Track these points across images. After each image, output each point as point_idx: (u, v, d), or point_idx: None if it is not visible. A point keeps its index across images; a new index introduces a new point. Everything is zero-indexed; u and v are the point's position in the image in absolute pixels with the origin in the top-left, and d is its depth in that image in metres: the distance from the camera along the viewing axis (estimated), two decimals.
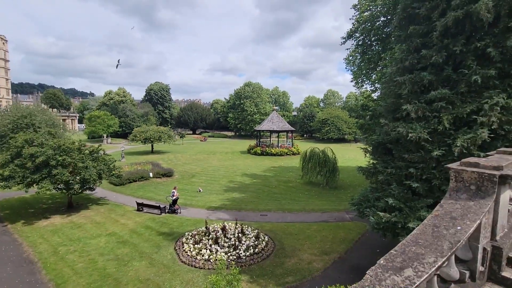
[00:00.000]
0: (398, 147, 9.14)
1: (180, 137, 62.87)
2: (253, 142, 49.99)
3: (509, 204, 4.69)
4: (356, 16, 20.80)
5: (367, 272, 3.32)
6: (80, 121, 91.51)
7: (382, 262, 3.39)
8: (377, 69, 21.37)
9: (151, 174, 26.33)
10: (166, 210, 17.80)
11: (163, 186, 24.42)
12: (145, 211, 18.01)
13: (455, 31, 8.14)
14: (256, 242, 12.77)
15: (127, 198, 20.80)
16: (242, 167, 33.06)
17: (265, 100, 78.51)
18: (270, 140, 49.38)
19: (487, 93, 7.45)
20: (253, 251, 12.10)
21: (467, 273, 3.70)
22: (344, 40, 21.83)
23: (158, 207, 17.66)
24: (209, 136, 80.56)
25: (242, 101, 75.16)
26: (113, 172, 19.40)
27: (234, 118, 77.39)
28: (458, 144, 7.15)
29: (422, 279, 2.96)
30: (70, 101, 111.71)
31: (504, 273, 3.99)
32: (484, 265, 3.92)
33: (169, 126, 71.28)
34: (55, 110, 64.40)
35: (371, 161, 11.11)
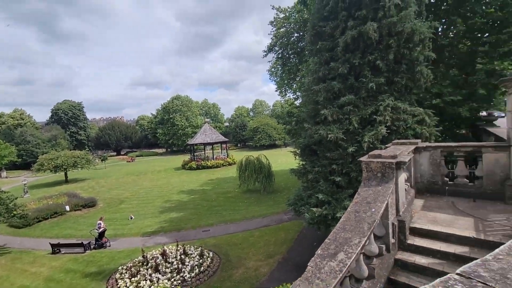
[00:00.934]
0: (321, 148, 10.27)
1: (102, 160, 55.85)
2: (187, 157, 48.19)
3: (405, 184, 5.86)
4: (273, 31, 22.68)
5: (308, 264, 3.65)
6: None
7: (319, 252, 3.78)
8: (297, 79, 23.62)
9: (67, 208, 22.49)
10: (92, 246, 15.44)
11: (85, 219, 21.15)
12: (63, 252, 15.21)
13: (353, 47, 9.74)
14: (201, 260, 12.28)
15: (37, 241, 17.21)
16: (177, 185, 31.43)
17: (195, 113, 77.05)
18: (204, 153, 48.45)
19: (381, 97, 9.16)
20: (199, 271, 11.59)
21: (384, 247, 4.43)
22: (266, 53, 23.48)
23: (80, 245, 15.17)
24: (137, 156, 73.88)
25: (171, 116, 71.92)
26: (14, 212, 15.88)
27: (164, 133, 73.28)
28: (366, 140, 8.52)
29: (351, 260, 3.43)
30: None
31: (409, 241, 4.93)
32: (394, 237, 4.76)
33: (87, 149, 62.55)
34: None
35: (301, 162, 12.12)
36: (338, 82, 9.73)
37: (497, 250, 1.29)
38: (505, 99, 7.31)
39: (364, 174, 5.10)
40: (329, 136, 9.09)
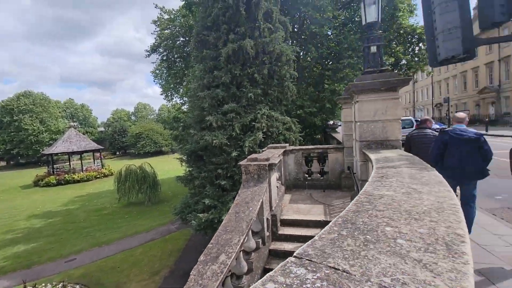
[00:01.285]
0: (207, 153, 10.44)
1: None
2: (42, 171, 37.99)
3: (277, 182, 6.78)
4: (157, 32, 21.40)
5: (191, 273, 3.59)
6: None
7: (202, 258, 3.80)
8: (183, 84, 23.15)
9: None
10: None
11: None
12: None
13: (234, 59, 10.48)
14: None
15: None
16: (27, 207, 24.18)
17: (56, 115, 61.94)
18: (70, 164, 39.51)
19: (258, 106, 10.28)
20: None
21: (260, 240, 4.94)
22: (149, 53, 21.82)
23: None
24: None
25: (16, 117, 54.80)
26: None
27: (4, 141, 54.88)
28: (246, 145, 9.32)
29: (231, 259, 3.62)
30: None
31: (280, 232, 5.70)
32: (269, 230, 5.41)
33: None
34: None
35: (188, 169, 11.89)
36: (222, 90, 10.21)
37: (322, 231, 1.67)
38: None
39: (244, 177, 5.54)
40: (214, 141, 9.38)
